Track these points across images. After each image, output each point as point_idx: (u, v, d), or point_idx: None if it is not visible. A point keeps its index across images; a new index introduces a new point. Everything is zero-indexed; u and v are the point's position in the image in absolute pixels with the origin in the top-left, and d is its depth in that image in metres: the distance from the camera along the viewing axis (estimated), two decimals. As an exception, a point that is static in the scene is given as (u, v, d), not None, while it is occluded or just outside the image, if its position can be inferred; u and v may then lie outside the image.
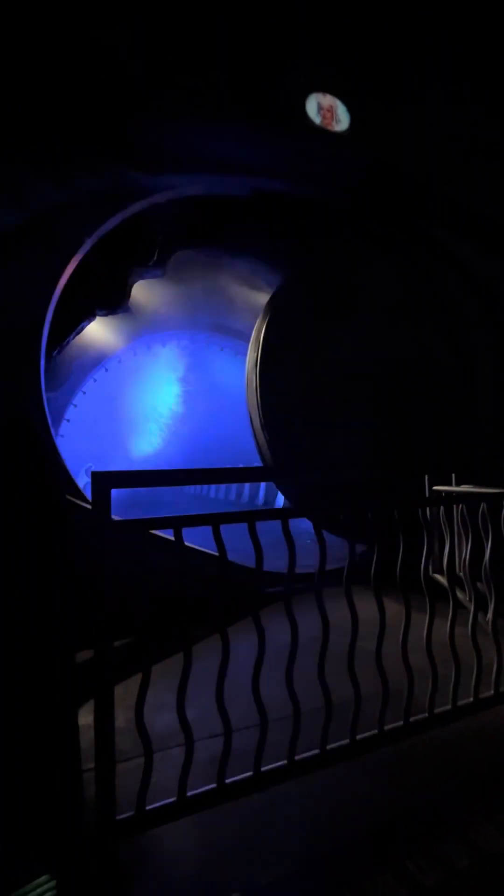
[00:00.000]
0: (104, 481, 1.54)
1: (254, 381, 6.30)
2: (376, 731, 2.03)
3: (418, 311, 6.48)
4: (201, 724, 2.19)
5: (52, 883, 1.37)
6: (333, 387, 6.17)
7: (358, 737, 1.98)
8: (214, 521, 1.70)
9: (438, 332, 6.51)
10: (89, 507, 3.49)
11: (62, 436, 11.31)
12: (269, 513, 1.83)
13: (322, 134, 5.24)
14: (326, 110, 5.00)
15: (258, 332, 6.53)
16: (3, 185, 4.63)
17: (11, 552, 1.49)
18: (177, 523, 1.64)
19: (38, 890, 1.34)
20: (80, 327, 7.48)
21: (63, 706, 1.63)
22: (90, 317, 7.54)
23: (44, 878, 1.37)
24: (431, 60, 5.61)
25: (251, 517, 1.75)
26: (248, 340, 10.41)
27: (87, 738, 1.74)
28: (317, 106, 5.00)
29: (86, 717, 1.93)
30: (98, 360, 11.53)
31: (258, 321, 6.64)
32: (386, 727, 2.03)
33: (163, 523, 1.64)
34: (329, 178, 5.88)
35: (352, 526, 2.01)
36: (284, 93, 5.29)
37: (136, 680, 1.80)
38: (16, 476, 1.50)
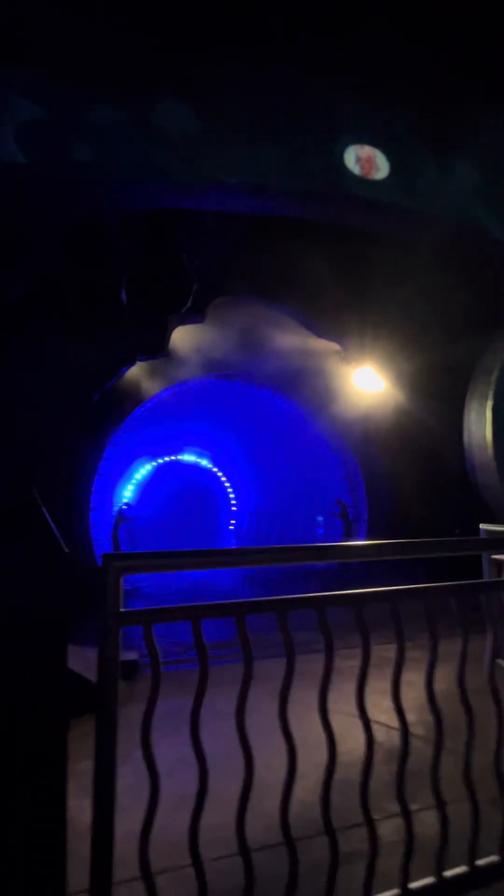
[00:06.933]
0: (116, 565, 1.37)
1: (482, 429, 6.82)
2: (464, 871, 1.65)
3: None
4: (223, 833, 1.87)
5: None
6: None
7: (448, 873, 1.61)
8: (238, 610, 1.49)
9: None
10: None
11: (100, 474, 11.51)
12: (304, 600, 1.59)
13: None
14: (365, 161, 5.05)
15: (487, 375, 7.04)
16: None
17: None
18: (195, 614, 1.43)
19: None
20: (120, 372, 7.66)
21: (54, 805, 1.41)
22: (131, 363, 7.73)
23: None
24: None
25: (282, 606, 1.52)
26: (281, 383, 10.30)
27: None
28: (355, 157, 5.07)
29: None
30: (136, 402, 11.81)
31: (484, 364, 7.21)
32: (446, 874, 1.65)
33: (178, 614, 1.44)
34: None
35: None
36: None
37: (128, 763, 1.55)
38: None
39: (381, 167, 5.15)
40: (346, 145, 5.41)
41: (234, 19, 4.91)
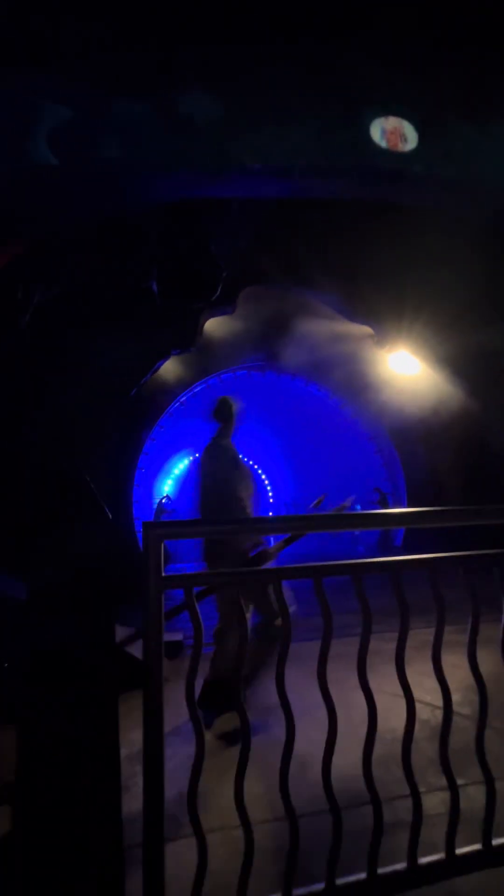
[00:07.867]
0: (156, 532, 1.43)
1: None
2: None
3: None
4: (272, 799, 1.92)
5: None
6: None
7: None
8: (272, 576, 1.51)
9: None
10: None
11: (141, 468, 11.82)
12: (340, 567, 1.60)
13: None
14: (391, 132, 4.89)
15: None
16: None
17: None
18: (233, 578, 1.47)
19: None
20: (155, 367, 7.83)
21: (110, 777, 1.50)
22: (165, 356, 7.88)
23: None
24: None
25: (317, 572, 1.54)
26: (314, 370, 10.18)
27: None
28: (381, 130, 4.91)
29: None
30: (173, 395, 12.02)
31: None
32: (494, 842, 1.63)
33: (217, 578, 1.48)
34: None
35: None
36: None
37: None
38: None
39: (409, 138, 4.97)
40: (372, 117, 5.24)
41: (254, 5, 4.85)
